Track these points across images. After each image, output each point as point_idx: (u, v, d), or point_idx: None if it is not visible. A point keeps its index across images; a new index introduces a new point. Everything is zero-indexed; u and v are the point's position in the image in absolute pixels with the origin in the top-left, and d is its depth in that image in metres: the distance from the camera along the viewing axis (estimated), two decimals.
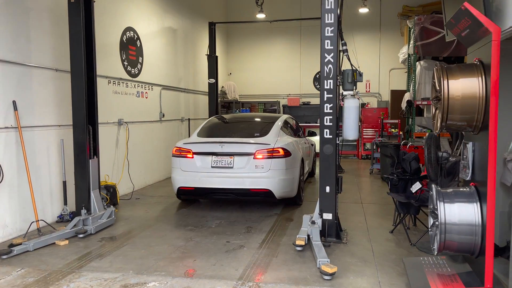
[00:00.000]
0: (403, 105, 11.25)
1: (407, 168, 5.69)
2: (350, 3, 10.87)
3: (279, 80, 15.22)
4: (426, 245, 4.88)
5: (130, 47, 8.36)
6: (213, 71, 11.36)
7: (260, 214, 6.55)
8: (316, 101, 14.88)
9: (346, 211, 6.62)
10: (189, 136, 10.53)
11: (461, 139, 8.41)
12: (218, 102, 11.81)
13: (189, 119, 11.00)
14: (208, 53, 11.35)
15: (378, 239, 5.25)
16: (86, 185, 5.80)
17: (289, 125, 7.79)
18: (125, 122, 8.03)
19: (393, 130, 11.93)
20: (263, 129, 6.98)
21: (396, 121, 11.64)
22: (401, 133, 11.75)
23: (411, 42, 11.29)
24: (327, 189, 5.11)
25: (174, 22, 10.54)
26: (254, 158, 6.22)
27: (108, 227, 5.83)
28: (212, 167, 6.34)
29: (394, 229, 5.53)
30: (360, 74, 5.04)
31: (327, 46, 4.98)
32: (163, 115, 9.73)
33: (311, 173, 9.62)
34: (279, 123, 7.21)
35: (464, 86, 3.26)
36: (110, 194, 6.98)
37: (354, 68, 5.05)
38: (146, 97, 9.02)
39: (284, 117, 7.74)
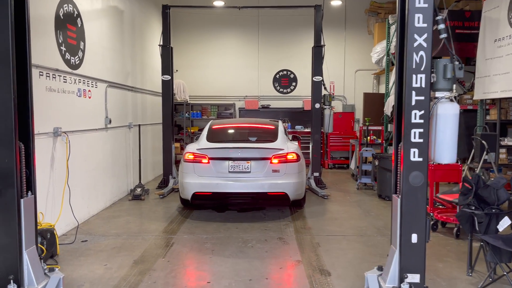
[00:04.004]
0: (388, 110, 10.03)
1: (491, 198, 4.22)
2: None
3: (234, 80, 13.32)
4: None
5: (69, 26, 5.96)
6: (168, 66, 9.14)
7: (273, 261, 4.69)
8: (276, 104, 13.28)
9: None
10: (139, 147, 9.02)
11: (482, 150, 7.29)
12: (173, 104, 9.61)
13: (139, 125, 8.70)
14: (161, 43, 9.14)
15: None
16: (15, 242, 3.48)
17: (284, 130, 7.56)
18: (64, 132, 5.64)
19: (374, 137, 10.68)
20: (270, 134, 7.07)
21: (379, 127, 10.44)
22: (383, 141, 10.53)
23: (394, 39, 10.14)
24: (414, 238, 3.42)
25: (120, 1, 8.20)
26: (270, 163, 6.34)
27: None
28: (229, 172, 6.30)
29: (485, 285, 4.01)
30: (460, 68, 3.43)
31: (418, 23, 3.30)
32: (110, 121, 7.38)
33: None
34: (282, 129, 7.26)
35: None
36: (47, 242, 4.64)
37: (454, 57, 3.42)
38: (89, 97, 6.64)
39: (281, 122, 7.69)
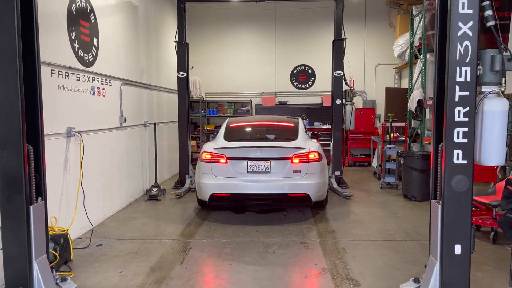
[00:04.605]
0: (412, 105, 9.60)
1: None
2: None
3: (250, 76, 13.00)
4: None
5: (82, 22, 5.75)
6: (183, 62, 8.90)
7: (296, 269, 4.40)
8: (294, 100, 12.93)
9: (420, 257, 4.67)
10: (155, 146, 8.51)
11: None
12: (189, 102, 9.37)
13: (155, 124, 8.48)
14: (177, 39, 8.89)
15: None
16: (24, 251, 3.26)
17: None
18: (78, 132, 5.43)
19: (397, 134, 10.24)
20: (290, 133, 6.74)
21: (403, 124, 10.01)
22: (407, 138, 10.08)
23: (418, 31, 9.70)
24: (457, 249, 3.09)
25: None
26: (291, 163, 6.05)
27: None
28: (248, 172, 6.02)
29: None
30: (510, 59, 3.07)
31: (463, 9, 2.96)
32: (125, 120, 7.17)
33: None
34: (302, 126, 6.94)
35: None
36: (60, 248, 4.43)
37: (503, 46, 3.06)
38: (104, 95, 6.43)
39: (300, 119, 7.31)
